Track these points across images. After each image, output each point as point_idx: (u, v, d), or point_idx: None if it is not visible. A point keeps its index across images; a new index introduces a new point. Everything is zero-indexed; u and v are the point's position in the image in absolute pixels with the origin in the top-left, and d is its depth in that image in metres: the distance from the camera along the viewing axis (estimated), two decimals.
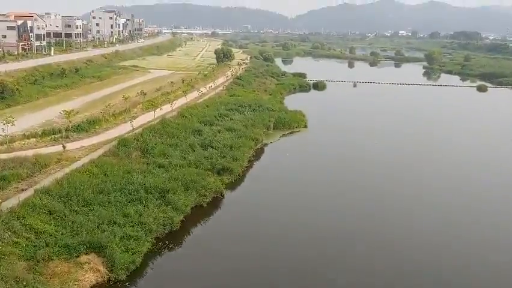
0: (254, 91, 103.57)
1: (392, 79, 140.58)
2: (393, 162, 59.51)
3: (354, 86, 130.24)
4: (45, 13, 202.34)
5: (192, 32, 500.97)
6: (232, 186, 46.63)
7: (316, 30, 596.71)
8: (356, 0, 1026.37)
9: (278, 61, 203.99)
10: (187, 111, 68.45)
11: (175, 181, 40.61)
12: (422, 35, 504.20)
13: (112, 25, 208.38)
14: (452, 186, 50.98)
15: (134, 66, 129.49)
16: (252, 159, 55.69)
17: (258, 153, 59.50)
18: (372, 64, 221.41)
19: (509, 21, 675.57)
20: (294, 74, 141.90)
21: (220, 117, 70.09)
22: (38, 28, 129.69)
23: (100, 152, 47.24)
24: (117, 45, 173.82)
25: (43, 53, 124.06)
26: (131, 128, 54.79)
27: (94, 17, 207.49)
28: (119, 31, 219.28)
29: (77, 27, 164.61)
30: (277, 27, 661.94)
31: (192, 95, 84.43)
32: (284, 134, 70.97)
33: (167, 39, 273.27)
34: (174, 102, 72.77)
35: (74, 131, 52.82)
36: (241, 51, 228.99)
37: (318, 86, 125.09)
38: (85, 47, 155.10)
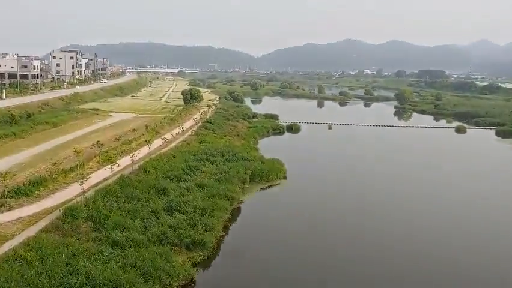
0: (225, 136, 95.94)
1: (366, 120, 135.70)
2: (390, 221, 52.09)
3: (329, 128, 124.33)
4: (2, 53, 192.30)
5: (158, 71, 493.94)
6: (204, 265, 37.87)
7: (282, 69, 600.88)
8: (320, 40, 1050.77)
9: (247, 101, 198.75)
10: (150, 165, 59.81)
11: (133, 269, 31.70)
12: (386, 74, 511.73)
13: (73, 65, 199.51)
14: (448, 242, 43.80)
15: (94, 109, 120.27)
16: (227, 224, 47.28)
17: (234, 214, 51.11)
18: (342, 104, 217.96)
19: (469, 59, 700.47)
20: (266, 116, 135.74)
21: (189, 169, 61.67)
22: None
23: (41, 224, 38.06)
24: (77, 86, 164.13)
25: None
26: (82, 191, 45.59)
27: (54, 57, 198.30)
28: (81, 71, 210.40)
29: (34, 68, 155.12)
30: (243, 66, 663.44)
31: (157, 143, 76.00)
32: (262, 188, 62.84)
33: (131, 79, 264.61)
34: (137, 152, 64.23)
35: (12, 196, 43.39)
36: (209, 91, 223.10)
37: (293, 129, 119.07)
38: (42, 89, 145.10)
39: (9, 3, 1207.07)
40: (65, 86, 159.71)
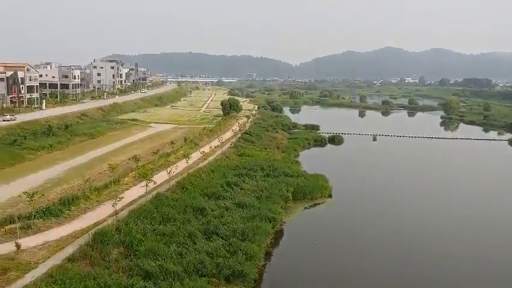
0: (265, 148, 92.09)
1: (413, 131, 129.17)
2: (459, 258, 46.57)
3: (374, 139, 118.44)
4: (46, 63, 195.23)
5: (197, 80, 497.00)
6: None
7: (321, 77, 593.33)
8: (360, 47, 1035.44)
9: (286, 110, 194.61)
10: (187, 181, 56.67)
11: None
12: (429, 82, 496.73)
13: (113, 75, 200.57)
14: None
15: (133, 120, 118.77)
16: (269, 250, 43.13)
17: (277, 238, 47.01)
18: (385, 113, 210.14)
19: None
20: (306, 126, 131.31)
21: (228, 186, 58.24)
22: (31, 79, 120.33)
23: (68, 251, 34.93)
24: (117, 96, 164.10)
25: (33, 106, 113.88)
26: (114, 211, 42.38)
27: (94, 67, 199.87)
28: (121, 81, 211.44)
29: (75, 78, 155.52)
30: (282, 75, 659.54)
31: (196, 156, 72.66)
32: (306, 207, 58.49)
33: (171, 89, 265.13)
34: (174, 166, 60.85)
35: (41, 217, 40.60)
36: (247, 100, 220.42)
37: (335, 140, 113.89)
38: (82, 99, 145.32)
39: (60, 14, 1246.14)
40: (105, 96, 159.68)
